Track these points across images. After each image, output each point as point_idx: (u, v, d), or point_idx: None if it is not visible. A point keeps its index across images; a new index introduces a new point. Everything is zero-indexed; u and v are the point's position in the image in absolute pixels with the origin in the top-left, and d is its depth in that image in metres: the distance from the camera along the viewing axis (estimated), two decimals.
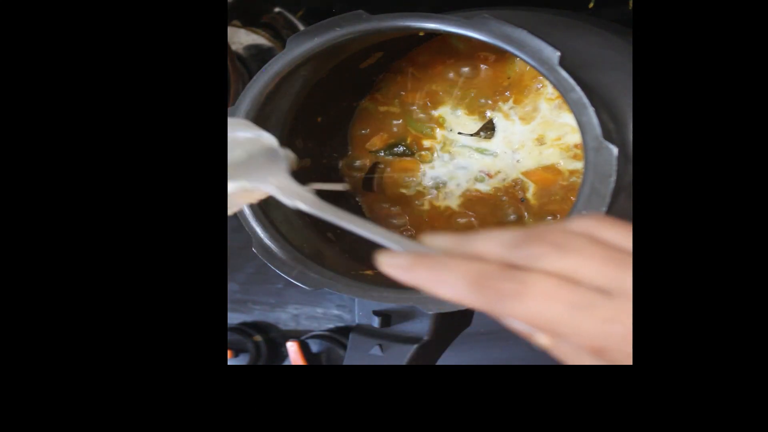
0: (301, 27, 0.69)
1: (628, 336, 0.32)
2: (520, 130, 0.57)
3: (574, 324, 0.33)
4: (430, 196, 0.60)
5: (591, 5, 0.62)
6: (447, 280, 0.34)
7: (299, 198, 0.41)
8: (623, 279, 0.33)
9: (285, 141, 0.56)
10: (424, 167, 0.60)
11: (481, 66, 0.58)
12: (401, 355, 0.51)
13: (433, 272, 0.35)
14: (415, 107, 0.60)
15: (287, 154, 0.44)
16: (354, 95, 0.61)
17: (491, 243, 0.35)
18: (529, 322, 0.33)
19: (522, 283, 0.33)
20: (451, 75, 0.58)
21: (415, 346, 0.51)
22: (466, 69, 0.58)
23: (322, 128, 0.60)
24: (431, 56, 0.59)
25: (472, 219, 0.59)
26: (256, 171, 0.43)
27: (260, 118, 0.52)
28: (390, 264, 0.36)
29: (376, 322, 0.52)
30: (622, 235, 0.34)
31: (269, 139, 0.45)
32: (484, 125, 0.58)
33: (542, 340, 0.34)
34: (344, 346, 0.66)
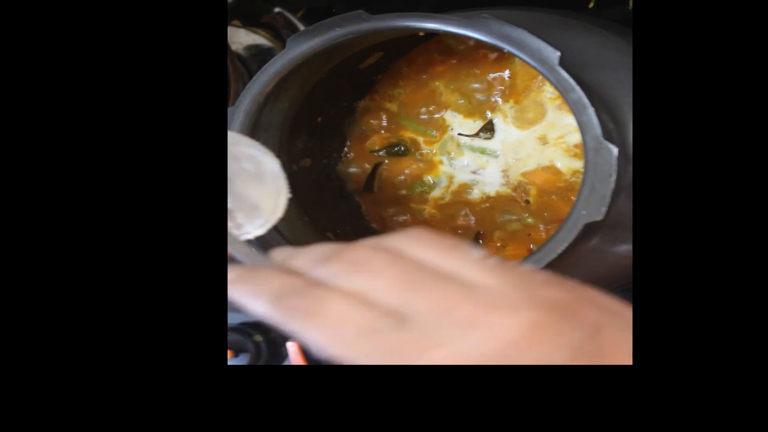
0: (301, 27, 0.69)
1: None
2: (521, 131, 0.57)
3: (360, 350, 0.30)
4: (430, 196, 0.60)
5: (591, 5, 0.62)
6: (254, 294, 0.32)
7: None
8: (415, 302, 0.30)
9: (285, 141, 0.56)
10: (422, 167, 0.60)
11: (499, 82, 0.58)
12: None
13: (246, 286, 0.33)
14: (413, 107, 0.60)
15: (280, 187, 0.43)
16: (354, 95, 0.61)
17: (305, 258, 0.33)
18: (318, 344, 0.31)
19: (316, 302, 0.30)
20: (477, 85, 0.58)
21: None
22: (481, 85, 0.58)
23: (322, 128, 0.60)
24: (430, 56, 0.59)
25: (471, 220, 0.59)
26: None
27: (260, 118, 0.52)
28: (227, 279, 0.34)
29: None
30: (434, 253, 0.31)
31: (271, 164, 0.44)
32: (484, 126, 0.58)
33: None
34: None
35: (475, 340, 0.29)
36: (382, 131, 0.61)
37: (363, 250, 0.32)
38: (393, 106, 0.61)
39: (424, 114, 0.60)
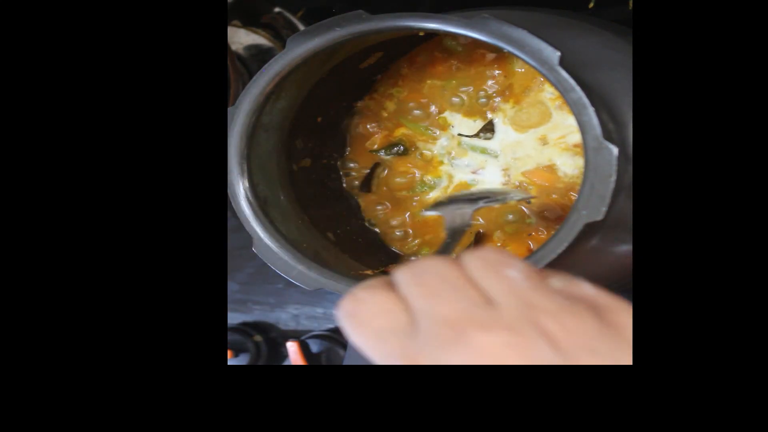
0: (301, 27, 0.69)
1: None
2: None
3: (376, 351, 0.33)
4: (429, 197, 0.60)
5: (591, 5, 0.62)
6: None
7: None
8: (430, 311, 0.32)
9: (285, 141, 0.56)
10: (422, 167, 0.60)
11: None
12: None
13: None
14: (413, 107, 0.60)
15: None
16: (354, 95, 0.61)
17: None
18: (354, 343, 0.34)
19: (356, 303, 0.34)
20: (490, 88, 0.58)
21: None
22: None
23: (322, 128, 0.60)
24: (430, 55, 0.59)
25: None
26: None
27: (260, 118, 0.52)
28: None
29: None
30: (483, 269, 0.33)
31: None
32: (484, 126, 0.58)
33: None
34: (344, 346, 0.66)
35: (452, 356, 0.31)
36: (382, 131, 0.61)
37: (431, 262, 0.34)
38: (392, 105, 0.61)
39: (423, 114, 0.60)
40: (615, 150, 0.43)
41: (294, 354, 0.66)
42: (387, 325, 0.32)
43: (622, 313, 0.32)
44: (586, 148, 0.44)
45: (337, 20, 0.49)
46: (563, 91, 0.44)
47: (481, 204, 0.52)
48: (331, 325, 0.70)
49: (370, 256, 0.58)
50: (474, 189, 0.57)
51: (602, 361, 0.31)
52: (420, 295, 0.32)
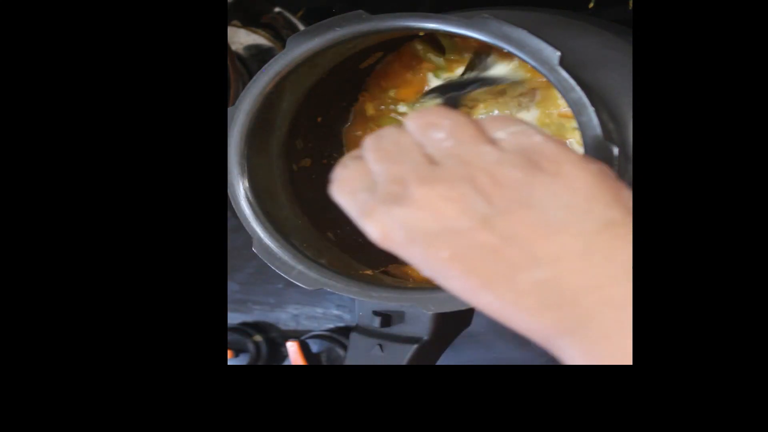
0: (301, 27, 0.69)
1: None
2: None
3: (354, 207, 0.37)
4: None
5: (591, 5, 0.62)
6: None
7: None
8: (385, 171, 0.36)
9: (285, 141, 0.56)
10: None
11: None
12: (401, 355, 0.51)
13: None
14: (407, 101, 0.60)
15: None
16: (354, 96, 0.61)
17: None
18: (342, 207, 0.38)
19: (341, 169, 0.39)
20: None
21: (415, 346, 0.51)
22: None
23: (322, 128, 0.60)
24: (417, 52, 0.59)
25: None
26: None
27: (260, 118, 0.52)
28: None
29: (376, 322, 0.52)
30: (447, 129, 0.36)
31: None
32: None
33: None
34: (344, 346, 0.66)
35: (398, 209, 0.34)
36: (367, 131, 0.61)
37: (387, 131, 0.38)
38: (386, 106, 0.60)
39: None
40: (615, 149, 0.43)
41: (294, 354, 0.66)
42: (357, 185, 0.36)
43: (562, 160, 0.34)
44: (586, 148, 0.44)
45: (337, 20, 0.49)
46: (563, 91, 0.44)
47: (470, 88, 0.53)
48: (331, 325, 0.70)
49: (371, 255, 0.58)
50: (466, 76, 0.56)
51: (536, 218, 0.33)
52: (376, 159, 0.36)
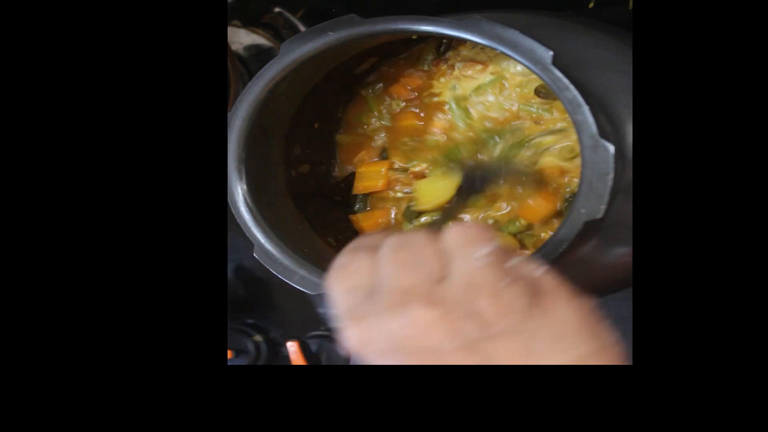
0: (302, 27, 0.69)
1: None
2: None
3: (343, 313, 0.37)
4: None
5: (591, 5, 0.62)
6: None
7: None
8: (389, 280, 0.35)
9: (283, 147, 0.56)
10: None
11: None
12: None
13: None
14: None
15: None
16: (349, 102, 0.61)
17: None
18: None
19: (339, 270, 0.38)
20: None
21: None
22: None
23: (319, 134, 0.60)
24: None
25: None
26: None
27: (257, 124, 0.52)
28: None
29: None
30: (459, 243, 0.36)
31: None
32: None
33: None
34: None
35: (390, 322, 0.34)
36: (368, 144, 0.61)
37: (415, 236, 0.37)
38: (381, 119, 0.60)
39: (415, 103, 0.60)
40: (611, 148, 0.43)
41: (294, 354, 0.66)
42: (359, 282, 0.36)
43: (556, 297, 0.35)
44: (582, 147, 0.44)
45: (330, 24, 0.49)
46: (557, 91, 0.44)
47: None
48: (331, 325, 0.70)
49: None
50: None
51: (521, 345, 0.34)
52: (391, 263, 0.35)
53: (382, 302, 0.34)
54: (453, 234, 0.36)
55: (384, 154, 0.59)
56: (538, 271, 0.36)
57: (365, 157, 0.60)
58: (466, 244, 0.35)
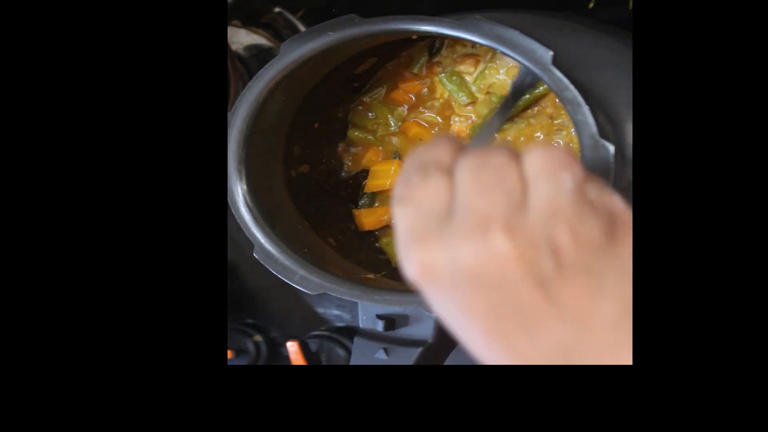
0: (302, 27, 0.69)
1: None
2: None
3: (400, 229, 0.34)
4: None
5: (591, 5, 0.62)
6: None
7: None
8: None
9: (283, 147, 0.56)
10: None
11: None
12: (407, 359, 0.51)
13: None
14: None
15: None
16: (349, 101, 0.61)
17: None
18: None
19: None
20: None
21: (420, 349, 0.51)
22: None
23: (319, 134, 0.60)
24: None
25: None
26: None
27: (257, 124, 0.52)
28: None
29: (380, 325, 0.52)
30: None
31: None
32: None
33: None
34: (344, 346, 0.66)
35: (466, 247, 0.32)
36: (375, 146, 0.61)
37: (496, 157, 0.34)
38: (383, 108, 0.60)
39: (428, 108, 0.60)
40: (611, 147, 0.43)
41: (294, 354, 0.66)
42: (431, 207, 0.33)
43: (629, 235, 0.33)
44: (582, 147, 0.44)
45: (330, 24, 0.49)
46: (557, 90, 0.44)
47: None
48: (331, 325, 0.70)
49: (372, 260, 0.58)
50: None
51: (592, 285, 0.32)
52: (469, 186, 0.33)
53: (456, 227, 0.32)
54: (537, 157, 0.33)
55: (396, 154, 0.60)
56: (619, 204, 0.33)
57: (374, 156, 0.60)
58: (552, 169, 0.33)
